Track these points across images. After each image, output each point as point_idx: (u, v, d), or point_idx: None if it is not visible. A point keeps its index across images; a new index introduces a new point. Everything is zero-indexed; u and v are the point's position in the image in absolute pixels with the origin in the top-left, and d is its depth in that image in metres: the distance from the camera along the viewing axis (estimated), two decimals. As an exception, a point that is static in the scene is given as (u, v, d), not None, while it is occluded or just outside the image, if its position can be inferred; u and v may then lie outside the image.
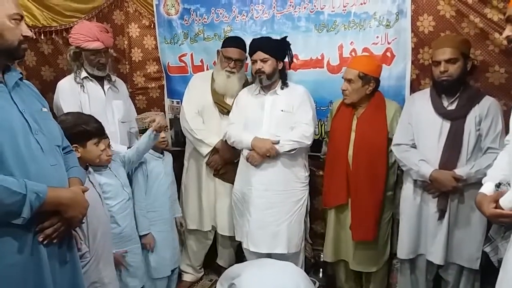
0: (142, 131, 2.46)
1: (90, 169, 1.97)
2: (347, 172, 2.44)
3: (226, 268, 2.56)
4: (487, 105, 2.15)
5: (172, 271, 2.61)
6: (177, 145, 3.19)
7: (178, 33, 3.11)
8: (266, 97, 2.57)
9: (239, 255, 2.98)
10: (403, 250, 2.35)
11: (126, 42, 3.26)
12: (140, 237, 2.37)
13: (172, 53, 3.17)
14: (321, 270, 2.87)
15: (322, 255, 2.82)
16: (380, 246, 2.49)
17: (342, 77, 2.47)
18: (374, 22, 2.60)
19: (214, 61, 2.90)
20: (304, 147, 2.54)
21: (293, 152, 2.49)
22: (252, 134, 2.52)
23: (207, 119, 2.78)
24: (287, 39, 2.56)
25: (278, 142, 2.46)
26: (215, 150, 2.73)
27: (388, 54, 2.60)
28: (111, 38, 2.75)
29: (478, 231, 2.18)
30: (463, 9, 2.36)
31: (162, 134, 2.45)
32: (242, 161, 2.66)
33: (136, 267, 2.30)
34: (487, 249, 1.88)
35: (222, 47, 2.71)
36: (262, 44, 2.53)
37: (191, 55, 3.12)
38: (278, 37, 2.63)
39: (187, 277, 3.02)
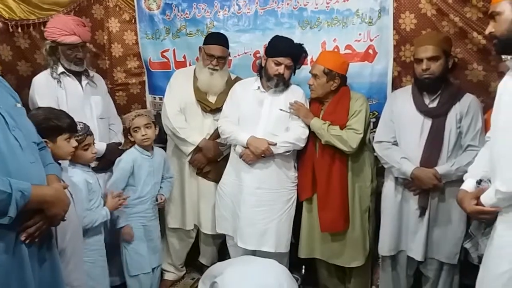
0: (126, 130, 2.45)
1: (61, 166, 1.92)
2: (314, 166, 2.48)
3: (208, 267, 2.54)
4: (468, 103, 2.18)
5: (154, 269, 2.56)
6: (159, 142, 3.13)
7: (159, 28, 3.07)
8: (266, 95, 2.54)
9: (222, 253, 2.96)
10: (384, 247, 2.38)
11: (106, 37, 3.19)
12: (118, 230, 2.38)
13: (154, 48, 3.13)
14: (303, 267, 2.87)
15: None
16: (357, 239, 2.50)
17: (309, 72, 2.50)
18: (357, 19, 2.61)
19: (197, 57, 2.87)
20: (298, 148, 2.54)
21: (287, 153, 2.49)
22: (247, 130, 2.50)
23: (190, 117, 2.74)
24: (273, 35, 2.56)
25: (275, 144, 2.45)
26: (198, 149, 2.70)
27: (371, 51, 2.61)
28: (88, 32, 2.69)
29: (457, 228, 2.21)
30: (443, 7, 2.39)
31: (143, 132, 2.41)
32: (233, 156, 2.63)
33: (98, 281, 2.23)
34: (468, 245, 1.91)
35: (204, 44, 2.68)
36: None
37: (174, 50, 3.08)
38: (261, 34, 2.63)
39: (168, 276, 2.98)
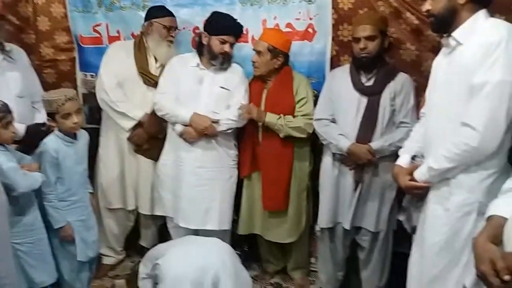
0: (49, 114, 2.14)
1: None
2: (255, 143, 2.51)
3: (149, 249, 2.48)
4: (401, 82, 2.27)
5: (93, 259, 2.40)
6: (91, 122, 2.99)
7: (91, 1, 2.88)
8: (206, 72, 2.49)
9: (163, 235, 2.90)
10: (323, 219, 2.45)
11: (30, 9, 2.95)
12: (57, 230, 2.18)
13: (85, 22, 2.94)
14: (245, 243, 2.90)
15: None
16: (293, 217, 2.57)
17: (253, 49, 2.48)
18: (297, -3, 2.60)
19: (133, 32, 2.74)
20: (240, 126, 2.52)
21: (229, 131, 2.46)
22: (187, 108, 2.44)
23: (130, 91, 2.62)
24: (213, 11, 2.54)
25: (217, 121, 2.40)
26: (138, 124, 2.60)
27: (310, 30, 2.63)
28: (0, 2, 2.44)
29: (386, 200, 2.33)
30: (379, -13, 2.44)
31: (75, 119, 2.14)
32: (171, 135, 2.56)
33: (42, 260, 2.11)
34: (401, 217, 2.01)
35: (157, 17, 2.58)
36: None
37: (107, 25, 2.91)
38: (200, 9, 2.60)
39: (107, 260, 2.88)
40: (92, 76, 3.00)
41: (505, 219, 1.23)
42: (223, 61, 2.45)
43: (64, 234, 2.19)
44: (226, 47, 2.42)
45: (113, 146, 2.72)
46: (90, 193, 2.38)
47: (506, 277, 1.11)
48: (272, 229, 2.61)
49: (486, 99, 1.50)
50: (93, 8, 2.89)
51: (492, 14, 1.66)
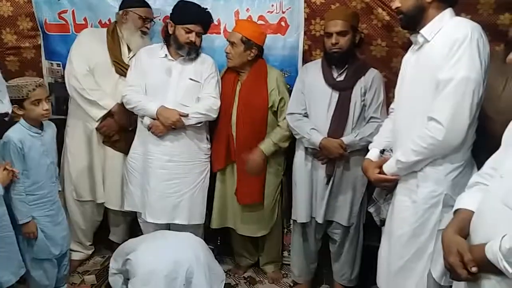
0: (17, 101, 2.04)
1: None
2: (230, 137, 2.49)
3: (119, 244, 2.44)
4: (372, 77, 2.31)
5: (63, 255, 2.33)
6: (58, 113, 2.88)
7: (56, -13, 2.76)
8: (174, 63, 2.44)
9: (133, 230, 2.85)
10: (299, 214, 2.46)
11: (-11, -7, 2.79)
12: (21, 226, 2.07)
13: (50, 8, 2.81)
14: (218, 237, 2.91)
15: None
16: (266, 211, 2.59)
17: (227, 39, 2.47)
18: (269, -10, 2.60)
19: (100, 20, 2.65)
20: (210, 119, 2.49)
21: (199, 125, 2.43)
22: (156, 101, 2.39)
23: (101, 79, 2.55)
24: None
25: (186, 115, 2.37)
26: (108, 115, 2.53)
27: (283, 23, 2.63)
28: None
29: (357, 193, 2.38)
30: (351, -17, 2.46)
31: (46, 106, 2.07)
32: (140, 128, 2.51)
33: (8, 259, 2.01)
34: (371, 210, 2.06)
35: (131, 7, 2.52)
36: (205, 18, 2.41)
37: (73, 11, 2.80)
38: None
39: (75, 256, 2.81)
40: (58, 65, 2.89)
41: (472, 212, 1.29)
42: (190, 51, 2.41)
43: (27, 231, 2.10)
44: (192, 37, 2.37)
45: (81, 136, 2.63)
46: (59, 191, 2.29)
47: (473, 269, 1.17)
48: (244, 223, 2.61)
49: (450, 95, 1.55)
50: (59, -7, 2.78)
51: (458, 13, 1.73)
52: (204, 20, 2.41)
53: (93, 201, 2.74)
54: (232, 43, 2.42)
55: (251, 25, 2.52)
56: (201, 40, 2.44)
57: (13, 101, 2.08)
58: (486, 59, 1.57)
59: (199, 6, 2.44)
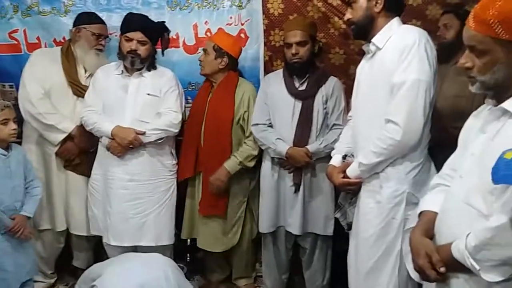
0: None
1: None
2: (198, 146, 2.47)
3: (84, 270, 2.33)
4: (332, 85, 2.35)
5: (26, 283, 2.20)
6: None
7: (5, 6, 2.69)
8: (130, 79, 2.38)
9: (98, 254, 2.74)
10: (264, 225, 2.46)
11: None
12: None
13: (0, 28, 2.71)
14: (188, 255, 2.84)
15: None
16: (228, 226, 2.54)
17: (202, 48, 2.50)
18: (227, 2, 2.63)
19: (54, 39, 2.57)
20: (171, 135, 2.44)
21: (160, 141, 2.38)
22: (113, 119, 2.33)
23: (58, 101, 2.46)
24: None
25: (144, 133, 2.31)
26: (68, 138, 2.44)
27: (242, 35, 2.65)
28: None
29: (328, 201, 2.39)
30: (307, -7, 2.51)
31: (13, 126, 2.03)
32: (100, 148, 2.44)
33: None
34: (337, 215, 2.07)
35: (84, 24, 2.46)
36: (144, 24, 2.34)
37: (24, 31, 2.73)
38: (125, 13, 2.45)
39: (37, 286, 2.65)
40: (10, 86, 2.79)
41: (436, 214, 1.31)
42: (133, 60, 2.33)
43: None
44: (133, 45, 2.31)
45: (38, 162, 2.52)
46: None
47: (442, 269, 1.18)
48: (203, 236, 2.56)
49: (404, 97, 1.63)
50: (8, 13, 2.70)
51: (409, 19, 1.80)
52: (143, 26, 2.33)
53: (53, 229, 2.62)
54: (205, 51, 2.44)
55: (225, 36, 2.54)
56: (149, 51, 2.36)
57: None
58: (434, 62, 1.67)
59: (143, 15, 2.41)
